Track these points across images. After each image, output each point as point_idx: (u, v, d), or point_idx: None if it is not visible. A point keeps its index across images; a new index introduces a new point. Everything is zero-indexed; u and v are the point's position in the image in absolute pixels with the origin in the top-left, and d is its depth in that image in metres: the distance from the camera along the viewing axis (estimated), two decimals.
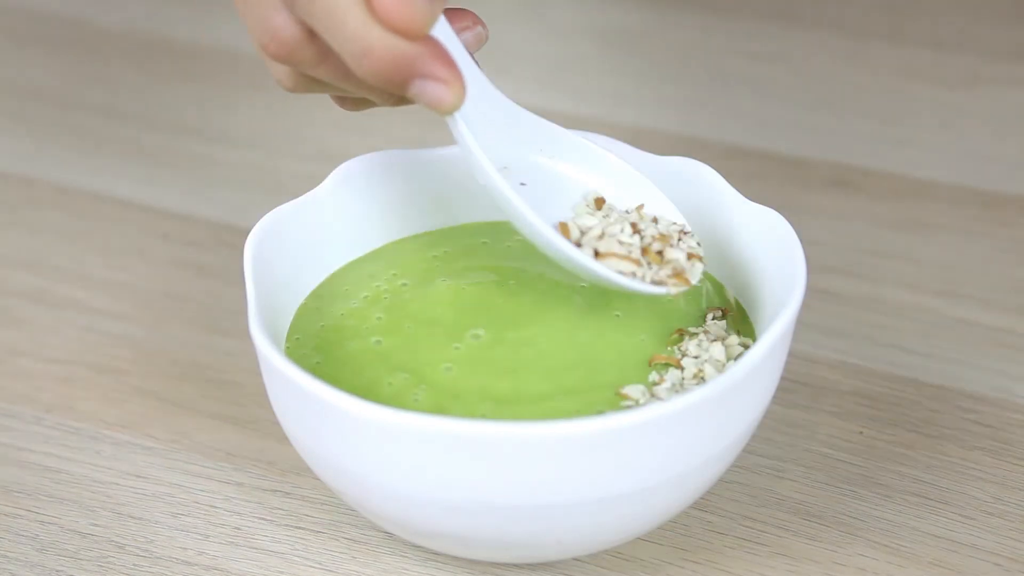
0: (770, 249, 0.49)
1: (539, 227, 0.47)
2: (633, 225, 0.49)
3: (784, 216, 0.49)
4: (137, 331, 0.61)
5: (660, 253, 0.48)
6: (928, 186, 0.69)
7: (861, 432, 0.55)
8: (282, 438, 0.52)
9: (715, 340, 0.48)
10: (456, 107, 0.44)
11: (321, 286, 0.52)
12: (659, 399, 0.46)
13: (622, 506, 0.44)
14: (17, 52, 0.84)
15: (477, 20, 0.48)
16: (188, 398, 0.57)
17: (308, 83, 0.47)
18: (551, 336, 0.49)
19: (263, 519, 0.52)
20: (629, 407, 0.46)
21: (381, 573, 0.50)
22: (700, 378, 0.47)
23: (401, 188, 0.54)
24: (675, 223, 0.50)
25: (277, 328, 0.49)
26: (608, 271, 0.47)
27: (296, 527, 0.51)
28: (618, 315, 0.50)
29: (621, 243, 0.48)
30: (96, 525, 0.52)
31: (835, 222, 0.66)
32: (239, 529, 0.51)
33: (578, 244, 0.48)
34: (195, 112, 0.77)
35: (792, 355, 0.53)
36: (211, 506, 0.52)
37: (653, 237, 0.48)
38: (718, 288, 0.52)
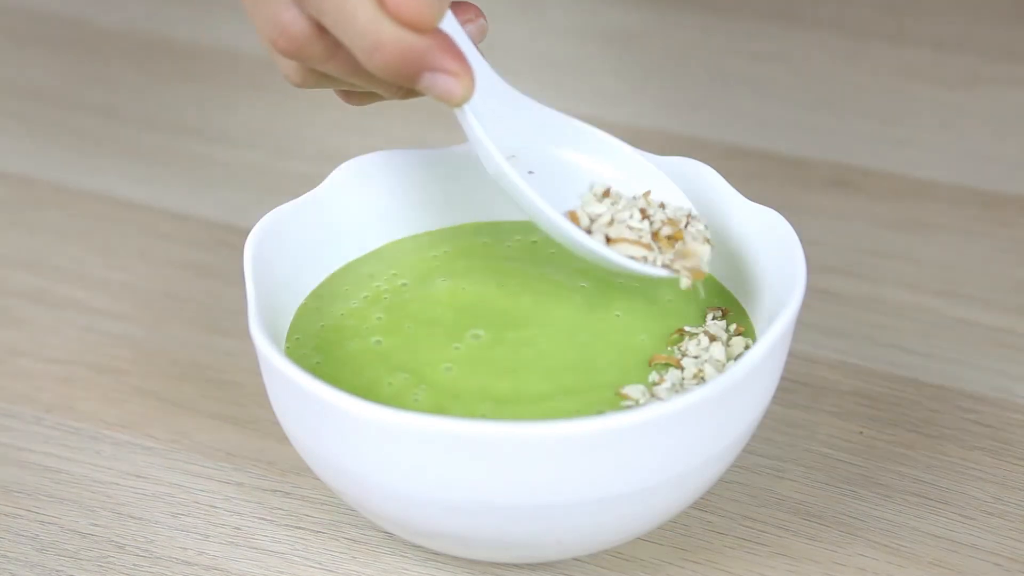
0: (770, 249, 0.49)
1: (549, 214, 0.47)
2: (642, 211, 0.49)
3: (784, 216, 0.49)
4: (137, 331, 0.61)
5: (670, 237, 0.48)
6: (928, 186, 0.69)
7: (861, 432, 0.55)
8: (282, 438, 0.52)
9: (715, 340, 0.48)
10: (466, 99, 0.44)
11: (321, 286, 0.52)
12: (659, 399, 0.46)
13: (622, 506, 0.44)
14: (17, 52, 0.84)
15: (479, 12, 0.49)
16: (188, 398, 0.57)
17: (316, 78, 0.48)
18: (551, 336, 0.49)
19: (263, 519, 0.52)
20: (629, 407, 0.46)
21: (381, 573, 0.50)
22: (700, 378, 0.47)
23: (401, 188, 0.54)
24: (682, 207, 0.50)
25: (277, 328, 0.49)
26: (619, 256, 0.47)
27: (296, 527, 0.51)
28: (618, 315, 0.50)
29: (631, 228, 0.48)
30: (96, 525, 0.52)
31: (835, 222, 0.66)
32: (239, 529, 0.51)
33: (588, 231, 0.48)
34: (195, 112, 0.77)
35: (792, 355, 0.53)
36: (211, 506, 0.52)
37: (662, 222, 0.49)
38: (718, 288, 0.52)
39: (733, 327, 0.50)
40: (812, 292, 0.59)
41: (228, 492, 0.53)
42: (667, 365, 0.47)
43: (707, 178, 0.52)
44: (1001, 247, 0.65)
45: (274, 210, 0.51)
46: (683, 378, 0.47)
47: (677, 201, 0.50)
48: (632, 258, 0.47)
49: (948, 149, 0.72)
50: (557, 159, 0.51)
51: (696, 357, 0.48)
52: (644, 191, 0.50)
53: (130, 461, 0.54)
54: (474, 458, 0.42)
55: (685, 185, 0.52)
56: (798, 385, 0.57)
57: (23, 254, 0.66)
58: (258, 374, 0.48)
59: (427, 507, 0.44)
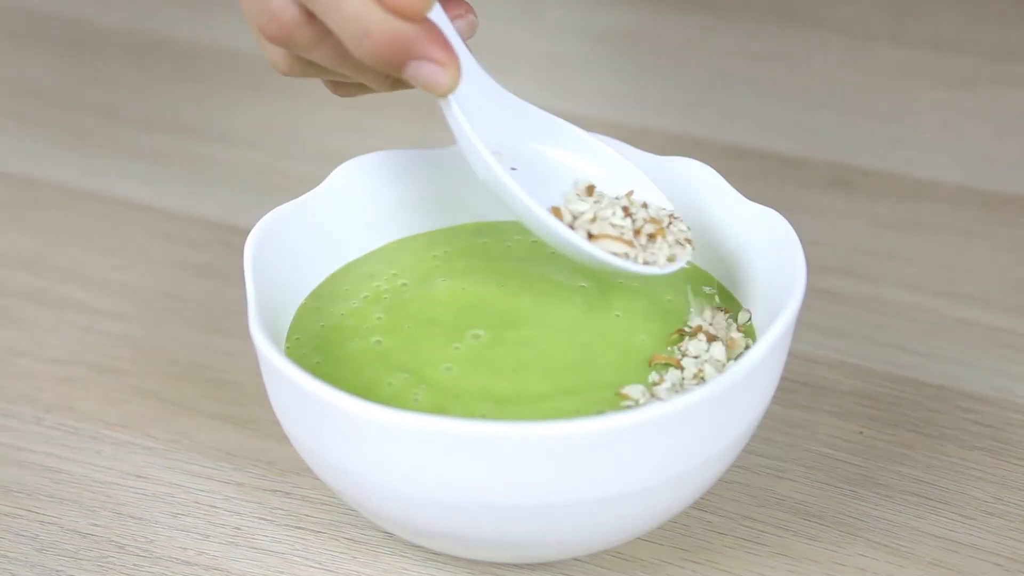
0: (770, 249, 0.49)
1: (533, 209, 0.47)
2: (624, 209, 0.49)
3: (784, 216, 0.49)
4: (137, 331, 0.61)
5: (652, 236, 0.48)
6: (928, 186, 0.69)
7: (861, 432, 0.55)
8: (282, 438, 0.52)
9: (715, 340, 0.48)
10: (451, 89, 0.44)
11: (321, 286, 0.52)
12: (659, 399, 0.46)
13: (622, 506, 0.44)
14: (17, 52, 0.84)
15: (470, 9, 0.49)
16: (188, 398, 0.57)
17: (304, 66, 0.48)
18: (551, 336, 0.49)
19: (263, 519, 0.52)
20: (629, 407, 0.46)
21: (381, 573, 0.50)
22: (700, 378, 0.47)
23: (401, 188, 0.54)
24: (664, 208, 0.50)
25: (277, 328, 0.49)
26: (602, 252, 0.47)
27: (296, 527, 0.51)
28: (618, 315, 0.50)
29: (613, 225, 0.48)
30: (96, 525, 0.52)
31: (835, 222, 0.66)
32: (239, 529, 0.51)
33: (570, 228, 0.48)
34: (195, 112, 0.77)
35: (792, 355, 0.53)
36: (211, 506, 0.52)
37: (644, 220, 0.49)
38: (719, 288, 0.52)
39: (734, 322, 0.50)
40: (812, 292, 0.59)
41: (228, 492, 0.53)
42: (667, 365, 0.47)
43: (707, 178, 0.52)
44: (1001, 247, 0.65)
45: (274, 210, 0.51)
46: (683, 378, 0.47)
47: (659, 201, 0.50)
48: (614, 254, 0.47)
49: (948, 149, 0.72)
50: (540, 156, 0.51)
51: (696, 357, 0.48)
52: (627, 191, 0.50)
53: (130, 461, 0.54)
54: (474, 458, 0.42)
55: (685, 185, 0.52)
56: (798, 385, 0.57)
57: (23, 254, 0.66)
58: (258, 374, 0.48)
59: (427, 507, 0.44)
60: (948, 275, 0.63)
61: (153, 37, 0.85)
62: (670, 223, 0.49)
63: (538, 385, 0.47)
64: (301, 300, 0.52)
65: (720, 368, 0.47)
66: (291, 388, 0.44)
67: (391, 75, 0.45)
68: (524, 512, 0.43)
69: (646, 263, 0.48)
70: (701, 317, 0.50)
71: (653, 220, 0.49)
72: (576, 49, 0.83)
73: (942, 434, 0.54)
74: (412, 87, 0.46)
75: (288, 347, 0.50)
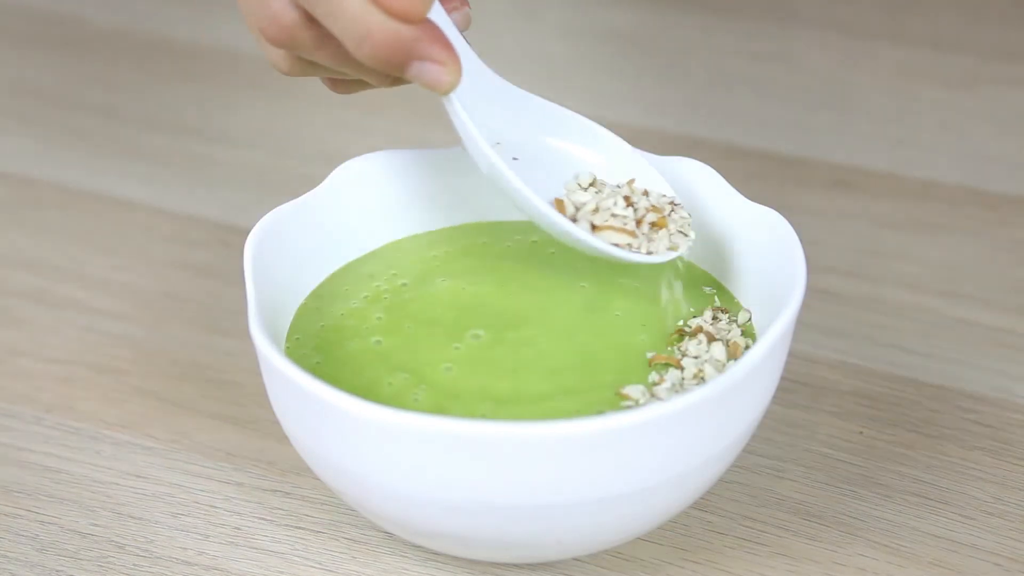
0: (770, 249, 0.49)
1: (534, 201, 0.47)
2: (626, 199, 0.49)
3: (784, 216, 0.49)
4: (137, 331, 0.61)
5: (654, 224, 0.49)
6: (928, 186, 0.69)
7: (861, 432, 0.55)
8: (282, 438, 0.52)
9: (715, 340, 0.48)
10: (453, 87, 0.45)
11: (321, 286, 0.52)
12: (659, 399, 0.46)
13: (622, 506, 0.44)
14: (17, 52, 0.84)
15: (464, 0, 0.49)
16: (188, 398, 0.57)
17: (304, 66, 0.48)
18: (551, 336, 0.49)
19: (263, 519, 0.52)
20: (629, 407, 0.46)
21: (381, 573, 0.50)
22: (700, 378, 0.47)
23: (401, 188, 0.54)
24: (665, 195, 0.50)
25: (277, 328, 0.49)
26: (604, 244, 0.48)
27: (296, 527, 0.51)
28: (618, 315, 0.50)
29: (615, 216, 0.48)
30: (96, 525, 0.52)
31: (835, 222, 0.66)
32: (239, 529, 0.51)
33: (573, 219, 0.48)
34: (195, 112, 0.77)
35: (792, 355, 0.53)
36: (211, 506, 0.52)
37: (646, 209, 0.49)
38: (719, 288, 0.52)
39: (734, 322, 0.50)
40: (812, 292, 0.59)
41: (228, 492, 0.53)
42: (667, 365, 0.47)
43: (707, 178, 0.52)
44: (1001, 247, 0.65)
45: (274, 210, 0.51)
46: (683, 378, 0.47)
47: (660, 188, 0.51)
48: (616, 245, 0.48)
49: (948, 149, 0.72)
50: (542, 146, 0.51)
51: (696, 357, 0.48)
52: (628, 179, 0.51)
53: (130, 461, 0.54)
54: (474, 458, 0.42)
55: (685, 185, 0.52)
56: (798, 385, 0.57)
57: (23, 254, 0.66)
58: (258, 374, 0.48)
59: (427, 507, 0.44)
60: (948, 275, 0.63)
61: (153, 37, 0.85)
62: (672, 211, 0.50)
63: (538, 385, 0.47)
64: (301, 300, 0.52)
65: (720, 368, 0.47)
66: (291, 388, 0.44)
67: (392, 75, 0.46)
68: (524, 512, 0.43)
69: (649, 252, 0.48)
70: (701, 318, 0.50)
71: (655, 209, 0.49)
72: (576, 49, 0.83)
73: (942, 434, 0.54)
74: (412, 82, 0.46)
75: (288, 347, 0.50)
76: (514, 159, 0.50)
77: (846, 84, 0.78)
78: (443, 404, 0.46)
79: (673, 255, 0.49)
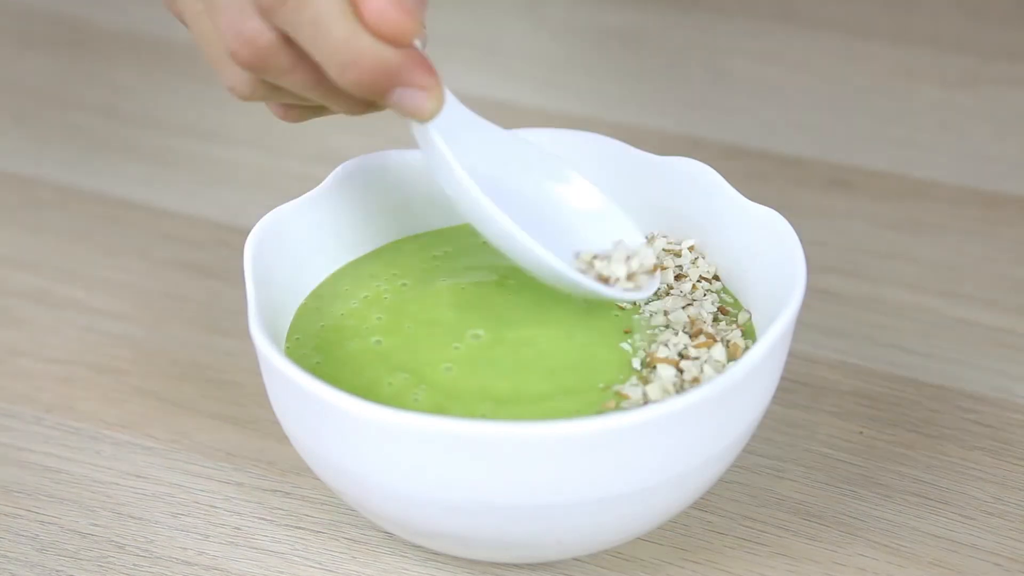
0: (770, 249, 0.49)
1: (510, 228, 0.46)
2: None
3: (784, 216, 0.49)
4: (137, 331, 0.61)
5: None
6: (928, 186, 0.69)
7: (861, 432, 0.55)
8: (282, 438, 0.52)
9: (715, 341, 0.48)
10: (435, 114, 0.44)
11: (321, 286, 0.52)
12: (658, 399, 0.46)
13: (622, 506, 0.44)
14: (17, 52, 0.84)
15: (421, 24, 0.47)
16: (188, 398, 0.57)
17: (267, 91, 0.46)
18: (551, 336, 0.49)
19: (263, 519, 0.52)
20: (629, 407, 0.46)
21: (381, 573, 0.50)
22: (699, 379, 0.47)
23: (401, 188, 0.54)
24: (641, 245, 0.50)
25: (277, 328, 0.49)
26: (583, 278, 0.47)
27: (296, 527, 0.51)
28: (617, 315, 0.50)
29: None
30: (96, 525, 0.52)
31: (835, 222, 0.66)
32: (239, 529, 0.51)
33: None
34: (195, 112, 0.77)
35: (792, 355, 0.53)
36: (211, 506, 0.52)
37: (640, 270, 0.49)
38: (719, 288, 0.52)
39: (734, 322, 0.50)
40: (812, 292, 0.59)
41: (228, 492, 0.53)
42: (666, 365, 0.47)
43: (707, 178, 0.52)
44: (1001, 247, 0.65)
45: (274, 210, 0.51)
46: (682, 378, 0.47)
47: (634, 236, 0.50)
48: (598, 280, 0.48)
49: (948, 149, 0.72)
50: (511, 181, 0.50)
51: (696, 358, 0.48)
52: (614, 239, 0.50)
53: (130, 461, 0.54)
54: (474, 458, 0.42)
55: (685, 186, 0.52)
56: (798, 385, 0.57)
57: (23, 254, 0.66)
58: (258, 374, 0.48)
59: (427, 507, 0.44)
60: (948, 275, 0.63)
61: (153, 37, 0.85)
62: (656, 267, 0.50)
63: (538, 385, 0.47)
64: (301, 300, 0.52)
65: (720, 369, 0.47)
66: (291, 388, 0.44)
67: (366, 100, 0.44)
68: (524, 512, 0.43)
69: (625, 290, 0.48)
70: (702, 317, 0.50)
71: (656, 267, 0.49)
72: (576, 49, 0.83)
73: (942, 434, 0.54)
74: (383, 109, 0.45)
75: (288, 347, 0.50)
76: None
77: (846, 84, 0.78)
78: (443, 404, 0.46)
79: (652, 289, 0.48)
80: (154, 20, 0.86)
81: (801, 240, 0.48)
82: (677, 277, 0.52)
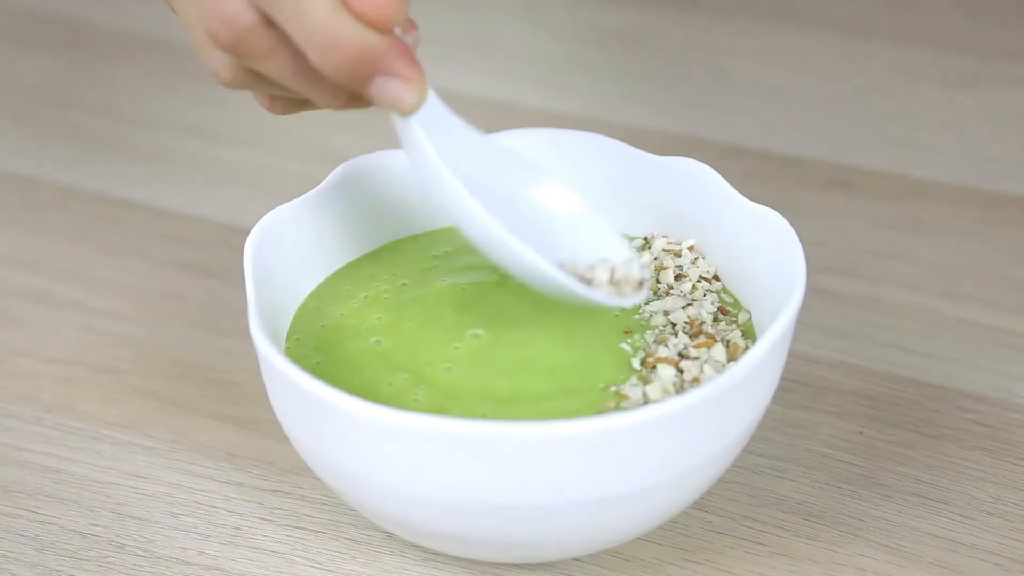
0: (770, 249, 0.49)
1: (494, 229, 0.45)
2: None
3: (784, 216, 0.49)
4: (137, 331, 0.61)
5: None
6: (928, 186, 0.69)
7: (861, 432, 0.55)
8: (282, 438, 0.52)
9: (715, 341, 0.48)
10: (417, 107, 0.43)
11: (321, 286, 0.52)
12: (658, 399, 0.46)
13: (622, 506, 0.44)
14: (17, 52, 0.84)
15: (413, 23, 0.47)
16: (188, 398, 0.57)
17: (248, 77, 0.45)
18: (550, 336, 0.49)
19: (263, 519, 0.52)
20: (629, 407, 0.46)
21: (381, 573, 0.50)
22: (699, 379, 0.47)
23: (401, 188, 0.54)
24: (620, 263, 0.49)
25: (277, 328, 0.49)
26: (568, 280, 0.46)
27: (296, 527, 0.51)
28: (617, 315, 0.50)
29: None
30: (96, 525, 0.52)
31: (835, 222, 0.66)
32: (239, 529, 0.51)
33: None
34: (195, 112, 0.77)
35: (792, 355, 0.53)
36: (211, 506, 0.52)
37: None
38: (719, 288, 0.52)
39: (734, 322, 0.50)
40: (812, 292, 0.59)
41: (228, 492, 0.53)
42: (666, 365, 0.47)
43: (707, 178, 0.52)
44: (1001, 247, 0.65)
45: (274, 210, 0.51)
46: (682, 378, 0.47)
47: (619, 248, 0.49)
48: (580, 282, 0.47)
49: (948, 149, 0.72)
50: (494, 186, 0.50)
51: (696, 358, 0.48)
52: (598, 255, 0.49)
53: (130, 461, 0.54)
54: (474, 458, 0.42)
55: (685, 186, 0.52)
56: (798, 385, 0.57)
57: (23, 254, 0.66)
58: (258, 374, 0.48)
59: (427, 507, 0.44)
60: (948, 275, 0.63)
61: (153, 37, 0.85)
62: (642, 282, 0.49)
63: (538, 385, 0.47)
64: (301, 300, 0.52)
65: (720, 369, 0.47)
66: (291, 388, 0.44)
67: (347, 90, 0.44)
68: (524, 512, 0.43)
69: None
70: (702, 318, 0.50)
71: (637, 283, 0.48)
72: (576, 49, 0.83)
73: (942, 434, 0.54)
74: (367, 105, 0.44)
75: (288, 347, 0.50)
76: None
77: (846, 84, 0.78)
78: (443, 404, 0.46)
79: (640, 297, 0.47)
80: (154, 20, 0.86)
81: (801, 240, 0.48)
82: (677, 277, 0.52)
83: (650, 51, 0.82)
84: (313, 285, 0.52)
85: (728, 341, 0.49)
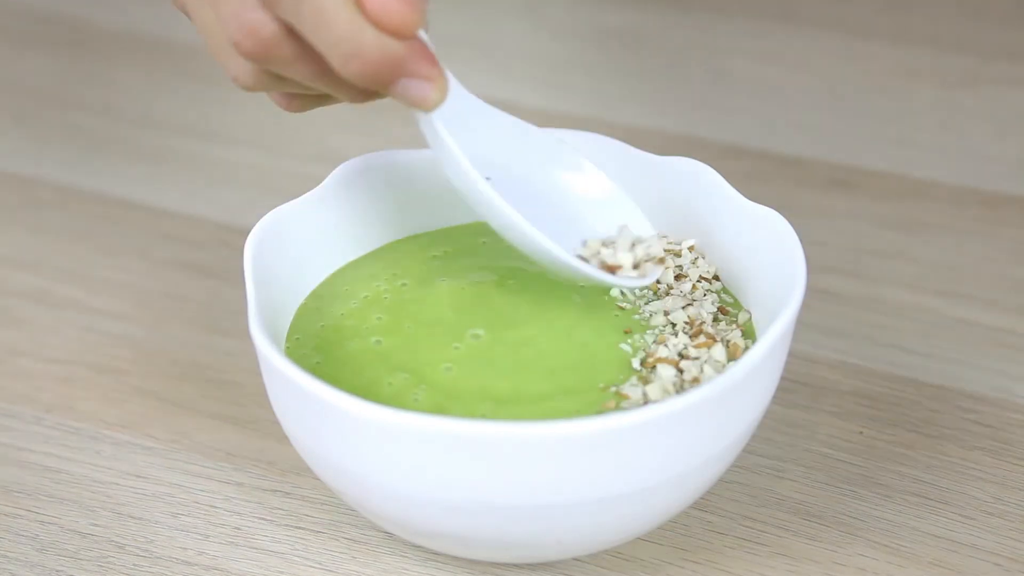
0: (770, 249, 0.49)
1: (515, 218, 0.46)
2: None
3: (784, 216, 0.49)
4: (137, 331, 0.61)
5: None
6: (928, 186, 0.69)
7: (861, 432, 0.55)
8: (282, 438, 0.52)
9: (715, 341, 0.48)
10: (439, 104, 0.43)
11: (321, 286, 0.52)
12: (657, 399, 0.46)
13: (622, 506, 0.44)
14: (17, 52, 0.84)
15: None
16: (188, 398, 0.57)
17: (270, 81, 0.46)
18: (551, 336, 0.49)
19: (263, 519, 0.52)
20: (629, 407, 0.46)
21: (381, 573, 0.50)
22: (699, 379, 0.47)
23: (401, 188, 0.54)
24: (651, 237, 0.50)
25: (277, 328, 0.49)
26: (588, 267, 0.47)
27: (296, 527, 0.51)
28: (617, 315, 0.50)
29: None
30: (96, 525, 0.52)
31: (835, 222, 0.66)
32: (239, 529, 0.51)
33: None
34: (195, 112, 0.77)
35: (792, 355, 0.53)
36: (211, 506, 0.52)
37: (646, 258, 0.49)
38: (719, 288, 0.52)
39: (734, 322, 0.50)
40: (812, 292, 0.59)
41: (228, 492, 0.53)
42: (666, 365, 0.47)
43: (707, 178, 0.52)
44: (1001, 247, 0.65)
45: (274, 210, 0.51)
46: (682, 378, 0.47)
47: (643, 227, 0.51)
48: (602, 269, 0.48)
49: (948, 149, 0.72)
50: (520, 169, 0.50)
51: (696, 358, 0.48)
52: (619, 224, 0.50)
53: (130, 461, 0.54)
54: (474, 458, 0.42)
55: (685, 186, 0.52)
56: (798, 385, 0.57)
57: (23, 254, 0.66)
58: (258, 374, 0.48)
59: (427, 507, 0.44)
60: (948, 275, 0.63)
61: (153, 37, 0.85)
62: (662, 257, 0.50)
63: (538, 385, 0.47)
64: (301, 300, 0.52)
65: (720, 369, 0.47)
66: (291, 388, 0.44)
67: (369, 90, 0.44)
68: (524, 512, 0.43)
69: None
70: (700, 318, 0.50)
71: (657, 260, 0.50)
72: (576, 49, 0.83)
73: (942, 434, 0.54)
74: (385, 96, 0.44)
75: (288, 347, 0.50)
76: (487, 178, 0.48)
77: (846, 84, 0.78)
78: (443, 404, 0.46)
79: (647, 280, 0.49)
80: (154, 20, 0.86)
81: (801, 240, 0.48)
82: (677, 277, 0.52)
83: (650, 51, 0.82)
84: (313, 285, 0.52)
85: (728, 341, 0.49)
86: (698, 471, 0.45)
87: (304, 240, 0.52)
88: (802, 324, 0.56)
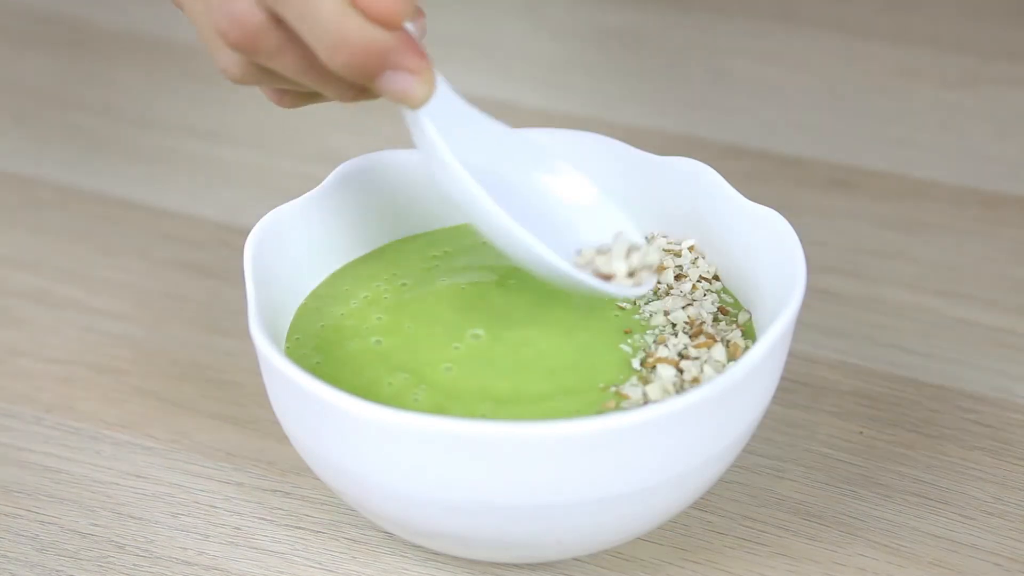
0: (770, 249, 0.49)
1: (504, 221, 0.46)
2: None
3: (784, 216, 0.49)
4: (137, 331, 0.61)
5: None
6: (928, 186, 0.69)
7: (861, 432, 0.55)
8: (282, 438, 0.52)
9: (715, 341, 0.48)
10: (426, 100, 0.43)
11: (321, 286, 0.52)
12: (657, 399, 0.46)
13: (622, 506, 0.44)
14: (17, 52, 0.84)
15: (419, 10, 0.47)
16: (188, 398, 0.57)
17: (258, 74, 0.46)
18: (550, 336, 0.49)
19: (263, 519, 0.52)
20: (629, 407, 0.46)
21: (381, 573, 0.50)
22: (699, 379, 0.47)
23: (401, 188, 0.54)
24: (639, 244, 0.50)
25: (277, 328, 0.49)
26: (582, 274, 0.46)
27: (296, 527, 0.51)
28: (617, 315, 0.50)
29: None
30: (96, 525, 0.52)
31: (835, 222, 0.66)
32: (239, 529, 0.51)
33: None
34: (195, 112, 0.77)
35: (792, 355, 0.53)
36: (211, 506, 0.52)
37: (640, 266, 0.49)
38: (719, 288, 0.52)
39: (734, 322, 0.50)
40: (812, 292, 0.59)
41: (228, 492, 0.53)
42: (666, 365, 0.47)
43: (707, 178, 0.52)
44: (1001, 247, 0.65)
45: (274, 210, 0.51)
46: (682, 378, 0.47)
47: (629, 231, 0.50)
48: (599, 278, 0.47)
49: (948, 149, 0.72)
50: (508, 175, 0.50)
51: (696, 358, 0.48)
52: (614, 232, 0.50)
53: (130, 461, 0.54)
54: (474, 458, 0.42)
55: (685, 185, 0.52)
56: (798, 385, 0.57)
57: (23, 254, 0.66)
58: (258, 374, 0.48)
59: (427, 507, 0.44)
60: (948, 275, 0.63)
61: (153, 37, 0.85)
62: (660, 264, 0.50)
63: (538, 385, 0.47)
64: (301, 300, 0.52)
65: (720, 369, 0.47)
66: (291, 388, 0.44)
67: (357, 85, 0.44)
68: (524, 512, 0.43)
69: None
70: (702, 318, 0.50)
71: (654, 269, 0.49)
72: (576, 49, 0.83)
73: (942, 434, 0.54)
74: (376, 97, 0.44)
75: (288, 347, 0.50)
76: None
77: (846, 84, 0.78)
78: (443, 404, 0.46)
79: (642, 290, 0.48)
80: (154, 20, 0.86)
81: (801, 240, 0.48)
82: (677, 277, 0.52)
83: (650, 51, 0.82)
84: (313, 285, 0.52)
85: (728, 341, 0.49)
86: (698, 471, 0.45)
87: (304, 240, 0.52)
88: (802, 324, 0.56)
